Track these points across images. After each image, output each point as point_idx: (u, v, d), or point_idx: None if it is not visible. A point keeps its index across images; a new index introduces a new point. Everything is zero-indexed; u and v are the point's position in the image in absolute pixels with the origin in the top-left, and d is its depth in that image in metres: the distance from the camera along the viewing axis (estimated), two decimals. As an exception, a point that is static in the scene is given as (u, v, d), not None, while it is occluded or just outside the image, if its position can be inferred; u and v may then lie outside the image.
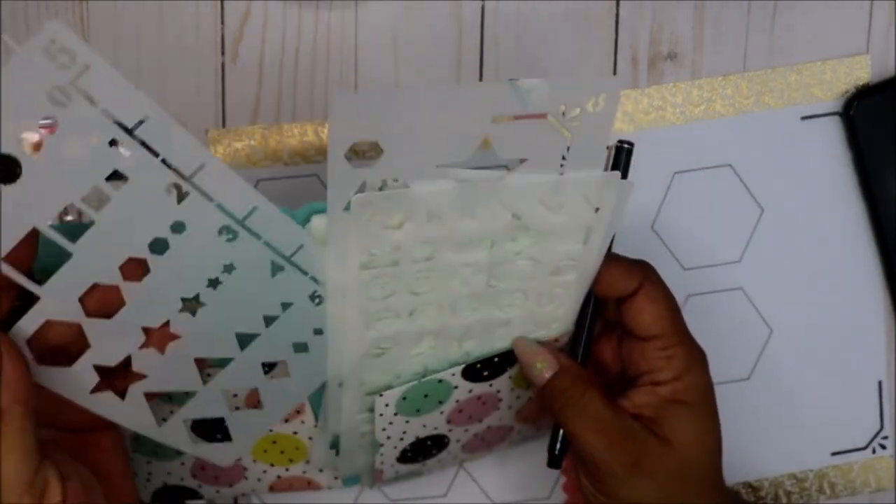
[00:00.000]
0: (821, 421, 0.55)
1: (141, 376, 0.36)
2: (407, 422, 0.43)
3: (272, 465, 0.45)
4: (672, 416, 0.41)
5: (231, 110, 0.50)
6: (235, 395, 0.40)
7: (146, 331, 0.35)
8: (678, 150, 0.52)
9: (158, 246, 0.34)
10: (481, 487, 0.53)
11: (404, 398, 0.41)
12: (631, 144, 0.39)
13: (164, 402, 0.40)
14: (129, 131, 0.31)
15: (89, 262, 0.33)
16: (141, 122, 0.31)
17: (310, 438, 0.44)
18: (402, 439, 0.44)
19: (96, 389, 0.36)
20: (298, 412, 0.42)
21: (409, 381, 0.41)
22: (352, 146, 0.34)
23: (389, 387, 0.41)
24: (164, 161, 0.33)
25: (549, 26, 0.51)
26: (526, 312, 0.41)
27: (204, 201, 0.34)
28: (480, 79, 0.51)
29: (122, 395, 0.37)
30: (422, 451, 0.45)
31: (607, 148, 0.40)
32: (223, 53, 0.49)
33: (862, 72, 0.53)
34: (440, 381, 0.42)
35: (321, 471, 0.46)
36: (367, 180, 0.35)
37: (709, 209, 0.53)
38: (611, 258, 0.41)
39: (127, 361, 0.36)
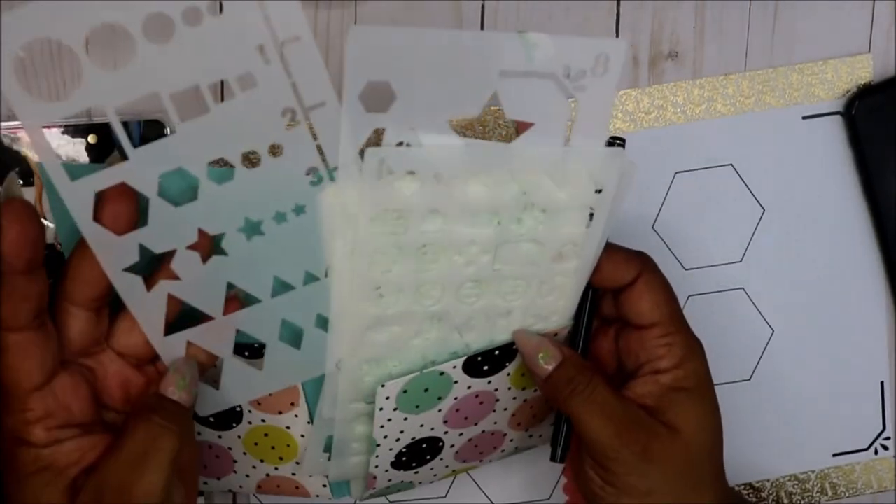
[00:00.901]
0: (823, 422, 0.55)
1: (174, 277, 0.36)
2: (405, 419, 0.43)
3: (262, 461, 0.45)
4: (676, 403, 0.41)
5: (231, 110, 0.49)
6: (246, 354, 0.40)
7: (201, 234, 0.36)
8: (679, 149, 0.52)
9: (251, 159, 0.35)
10: (482, 489, 0.53)
11: (405, 391, 0.41)
12: (622, 141, 0.39)
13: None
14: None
15: (186, 147, 0.34)
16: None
17: (302, 436, 0.43)
18: (398, 440, 0.44)
19: (130, 269, 0.36)
20: (293, 404, 0.42)
21: (410, 371, 0.41)
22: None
23: (389, 376, 0.41)
24: (292, 83, 0.34)
25: (549, 26, 0.51)
26: (527, 303, 0.41)
27: (308, 136, 0.35)
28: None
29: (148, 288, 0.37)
30: (416, 455, 0.45)
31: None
32: (223, 53, 0.49)
33: (863, 71, 0.53)
34: (441, 373, 0.42)
35: (310, 476, 0.46)
36: (380, 126, 0.35)
37: (710, 209, 0.53)
38: (609, 248, 0.42)
39: (168, 258, 0.36)
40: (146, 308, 0.37)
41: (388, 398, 0.41)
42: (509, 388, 0.44)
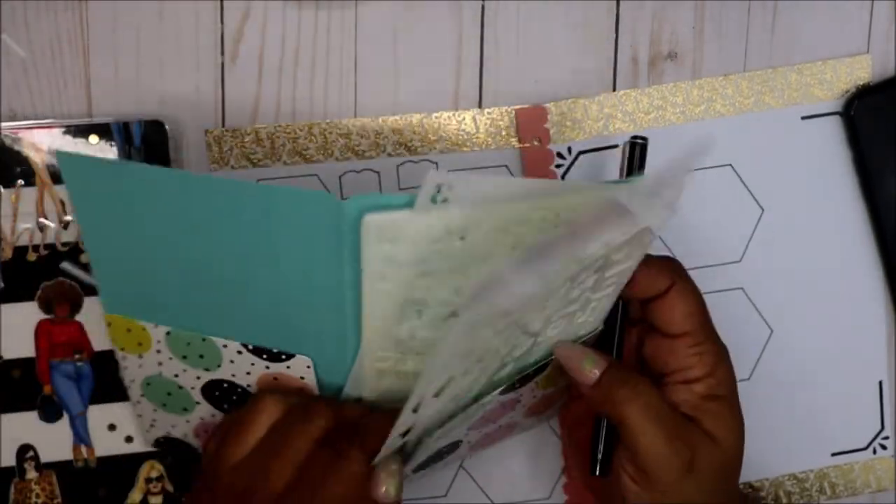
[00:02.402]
0: (821, 421, 0.55)
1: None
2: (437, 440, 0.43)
3: None
4: (711, 413, 0.41)
5: (231, 110, 0.50)
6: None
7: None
8: (678, 150, 0.52)
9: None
10: (481, 487, 0.53)
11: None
12: (645, 140, 0.39)
13: None
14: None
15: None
16: None
17: None
18: (420, 454, 0.43)
19: None
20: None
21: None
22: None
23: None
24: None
25: (549, 26, 0.51)
26: (563, 326, 0.41)
27: None
28: (480, 79, 0.51)
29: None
30: (435, 457, 0.45)
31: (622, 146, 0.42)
32: (223, 53, 0.49)
33: (862, 71, 0.53)
34: (476, 398, 0.41)
35: None
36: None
37: (709, 209, 0.53)
38: (642, 260, 0.41)
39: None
40: None
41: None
42: (532, 391, 0.44)
